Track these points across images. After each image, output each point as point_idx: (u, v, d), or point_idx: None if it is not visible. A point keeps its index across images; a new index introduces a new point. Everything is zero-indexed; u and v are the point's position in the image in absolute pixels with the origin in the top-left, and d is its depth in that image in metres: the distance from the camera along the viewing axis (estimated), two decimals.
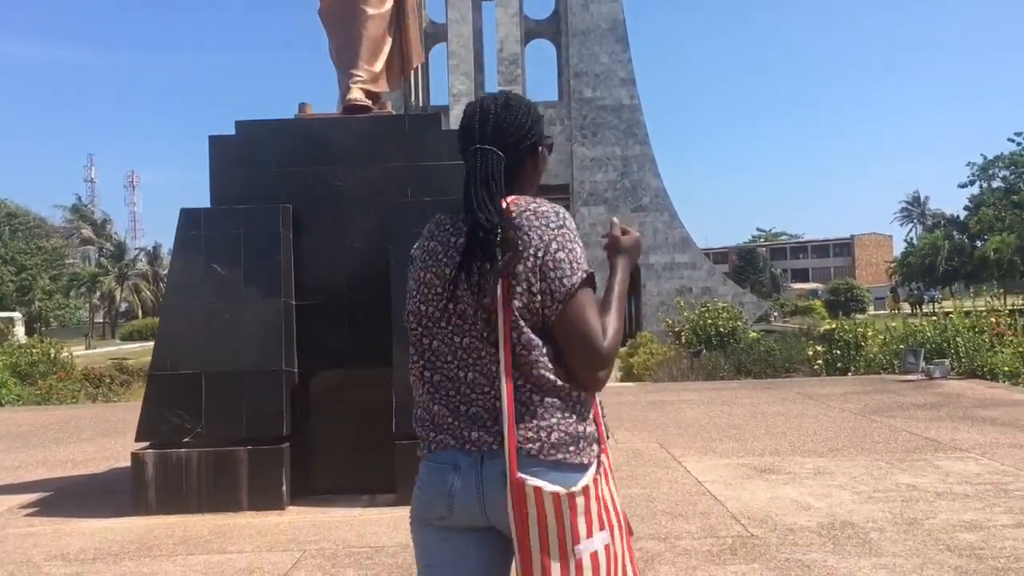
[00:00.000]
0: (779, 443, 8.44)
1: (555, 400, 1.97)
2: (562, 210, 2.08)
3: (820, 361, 16.40)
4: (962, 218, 69.73)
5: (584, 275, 1.99)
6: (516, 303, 1.95)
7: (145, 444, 6.58)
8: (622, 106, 41.46)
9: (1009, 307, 17.98)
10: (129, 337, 59.30)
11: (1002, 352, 13.76)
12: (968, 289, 67.59)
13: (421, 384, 2.09)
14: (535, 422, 1.95)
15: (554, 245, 1.98)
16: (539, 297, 1.96)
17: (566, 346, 1.98)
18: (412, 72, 10.37)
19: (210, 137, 7.01)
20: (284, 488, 6.43)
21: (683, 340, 20.25)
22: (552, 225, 2.01)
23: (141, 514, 6.35)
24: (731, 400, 11.89)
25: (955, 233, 67.11)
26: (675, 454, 8.03)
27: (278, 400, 6.51)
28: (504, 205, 2.01)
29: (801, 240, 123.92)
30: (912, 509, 5.80)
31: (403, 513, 6.16)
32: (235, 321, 6.61)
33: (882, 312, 67.41)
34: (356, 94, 7.22)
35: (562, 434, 1.96)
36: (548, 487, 1.89)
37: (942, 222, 75.23)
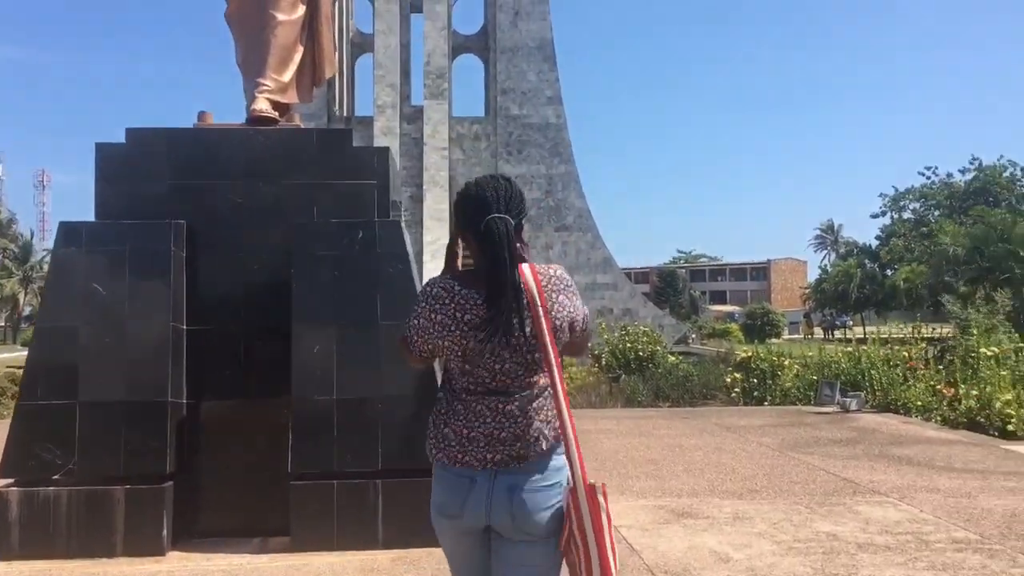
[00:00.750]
0: (698, 482, 8.18)
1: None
2: (564, 271, 2.84)
3: (737, 389, 16.35)
4: (874, 247, 71.88)
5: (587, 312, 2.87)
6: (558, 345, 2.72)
7: (10, 480, 5.94)
8: (548, 124, 41.45)
9: (919, 334, 18.26)
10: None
11: (915, 386, 13.86)
12: (878, 316, 69.65)
13: (465, 415, 2.72)
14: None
15: (578, 303, 2.80)
16: (569, 336, 2.77)
17: (582, 343, 2.88)
18: (330, 81, 9.94)
19: (96, 144, 6.41)
20: (165, 532, 5.86)
21: (603, 363, 20.04)
22: (571, 289, 2.81)
23: (2, 559, 5.71)
24: (649, 431, 11.65)
25: (867, 262, 69.09)
26: None
27: (162, 434, 5.95)
28: (530, 273, 2.68)
29: (720, 263, 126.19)
30: (833, 563, 5.56)
31: (296, 561, 5.71)
32: (117, 347, 6.02)
33: (796, 336, 68.90)
34: (262, 104, 6.72)
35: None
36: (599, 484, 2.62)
37: (855, 250, 77.41)
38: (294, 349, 6.07)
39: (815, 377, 15.58)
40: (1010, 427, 11.26)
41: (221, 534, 6.19)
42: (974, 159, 71.56)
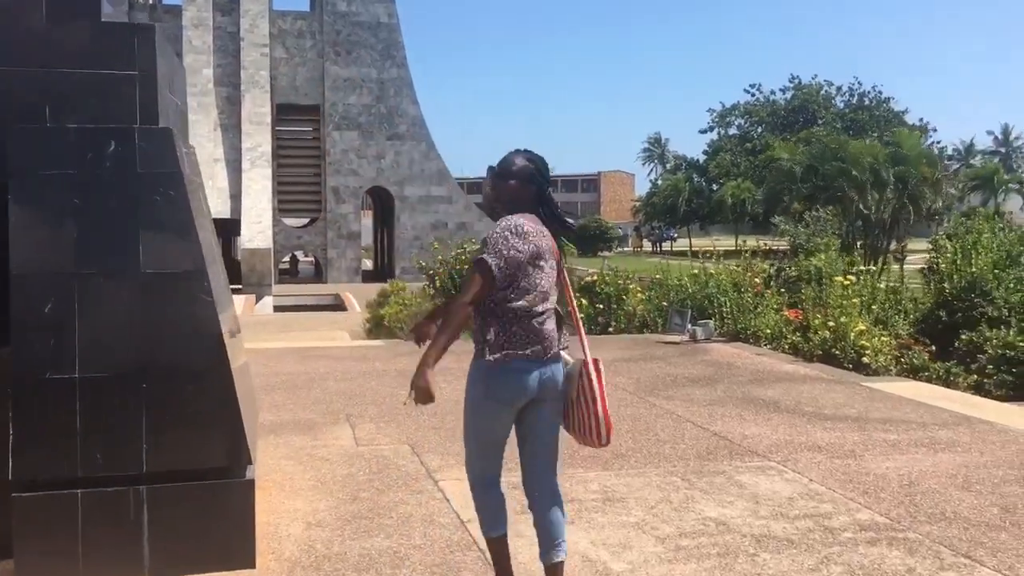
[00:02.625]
0: None
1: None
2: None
3: (581, 315, 15.43)
4: (702, 162, 73.53)
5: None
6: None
7: None
8: (379, 24, 38.77)
9: (763, 247, 17.81)
10: None
11: (764, 314, 13.30)
12: (702, 230, 71.70)
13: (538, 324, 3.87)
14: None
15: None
16: None
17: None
18: None
19: None
20: None
21: (438, 286, 18.70)
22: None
23: None
24: None
25: (695, 176, 70.59)
26: (431, 466, 6.39)
27: None
28: None
29: (552, 175, 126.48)
30: (734, 571, 4.49)
31: None
32: None
33: (626, 250, 70.08)
34: None
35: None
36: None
37: (683, 165, 79.00)
38: (13, 307, 4.30)
39: (664, 303, 14.84)
40: (865, 359, 10.80)
41: None
42: (793, 77, 73.91)
